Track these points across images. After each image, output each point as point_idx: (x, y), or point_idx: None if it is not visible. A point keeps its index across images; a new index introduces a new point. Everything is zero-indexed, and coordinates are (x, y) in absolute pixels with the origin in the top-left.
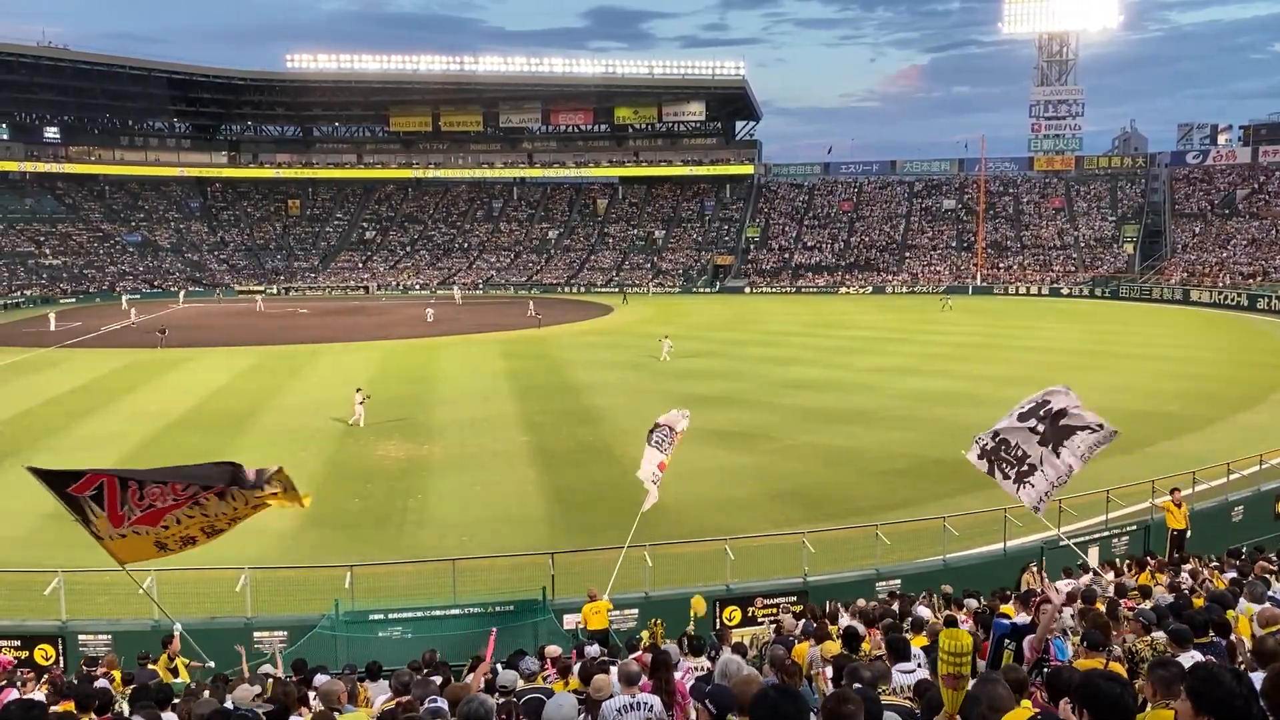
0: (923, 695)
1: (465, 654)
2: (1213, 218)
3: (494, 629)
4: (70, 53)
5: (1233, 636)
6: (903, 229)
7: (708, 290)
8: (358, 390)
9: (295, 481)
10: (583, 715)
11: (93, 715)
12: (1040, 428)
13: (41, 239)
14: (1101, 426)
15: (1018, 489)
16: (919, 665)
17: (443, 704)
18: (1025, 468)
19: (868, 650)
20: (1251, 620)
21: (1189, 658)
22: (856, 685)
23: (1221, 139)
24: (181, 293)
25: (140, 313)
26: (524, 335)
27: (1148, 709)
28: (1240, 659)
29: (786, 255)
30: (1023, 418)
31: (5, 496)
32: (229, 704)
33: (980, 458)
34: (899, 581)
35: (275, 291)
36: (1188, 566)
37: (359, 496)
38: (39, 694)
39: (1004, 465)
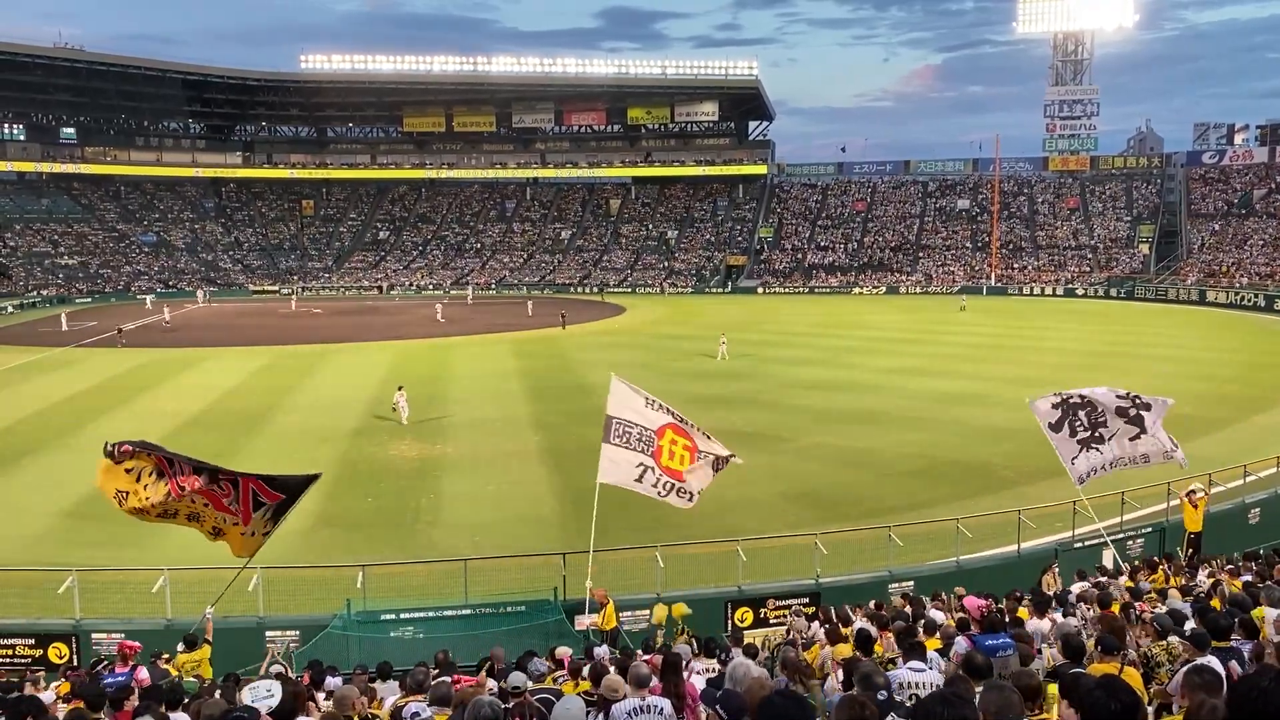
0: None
1: (476, 655)
2: (1229, 218)
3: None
4: (86, 54)
5: (1260, 639)
6: (916, 229)
7: (720, 290)
8: (399, 389)
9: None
10: (591, 715)
11: (103, 715)
12: (1131, 411)
13: (57, 239)
14: (1175, 449)
15: (1079, 452)
16: (929, 666)
17: (422, 709)
18: (1096, 435)
19: (880, 653)
20: (1266, 623)
21: (1207, 662)
22: (875, 688)
23: (1238, 139)
24: (200, 291)
25: (172, 310)
26: (536, 335)
27: (1172, 711)
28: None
29: (799, 255)
30: (1120, 396)
31: (21, 495)
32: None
33: (1055, 407)
34: (912, 583)
35: (288, 292)
36: (1204, 569)
37: (372, 496)
38: (50, 694)
39: (1076, 424)
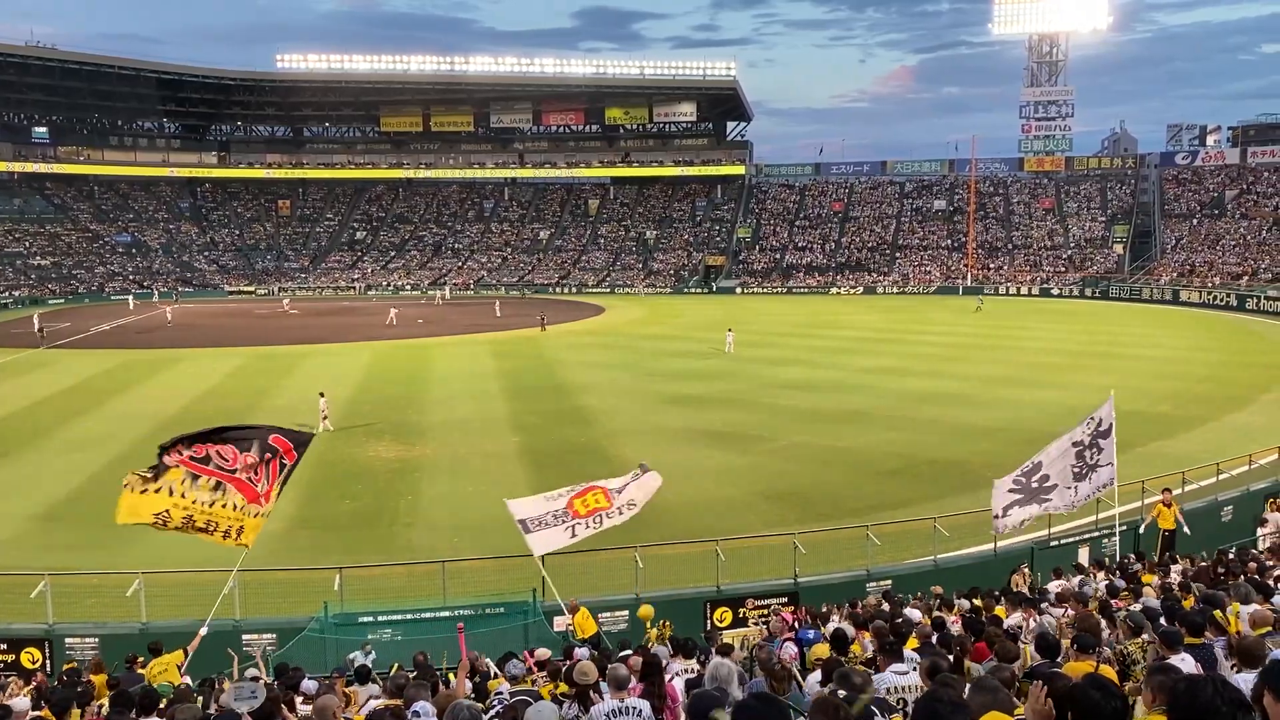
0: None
1: (455, 657)
2: (1202, 218)
3: (460, 624)
4: (59, 52)
5: (1230, 637)
6: (893, 229)
7: (699, 291)
8: (320, 395)
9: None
10: (567, 708)
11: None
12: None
13: (30, 239)
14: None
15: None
16: (914, 668)
17: (424, 705)
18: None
19: (857, 653)
20: (1242, 620)
21: (1180, 660)
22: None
23: (1210, 140)
24: (154, 292)
25: (175, 311)
26: (516, 336)
27: (1141, 712)
28: (1232, 660)
29: (778, 256)
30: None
31: None
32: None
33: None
34: (890, 582)
35: (264, 291)
36: (1177, 567)
37: (349, 498)
38: (23, 699)
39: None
